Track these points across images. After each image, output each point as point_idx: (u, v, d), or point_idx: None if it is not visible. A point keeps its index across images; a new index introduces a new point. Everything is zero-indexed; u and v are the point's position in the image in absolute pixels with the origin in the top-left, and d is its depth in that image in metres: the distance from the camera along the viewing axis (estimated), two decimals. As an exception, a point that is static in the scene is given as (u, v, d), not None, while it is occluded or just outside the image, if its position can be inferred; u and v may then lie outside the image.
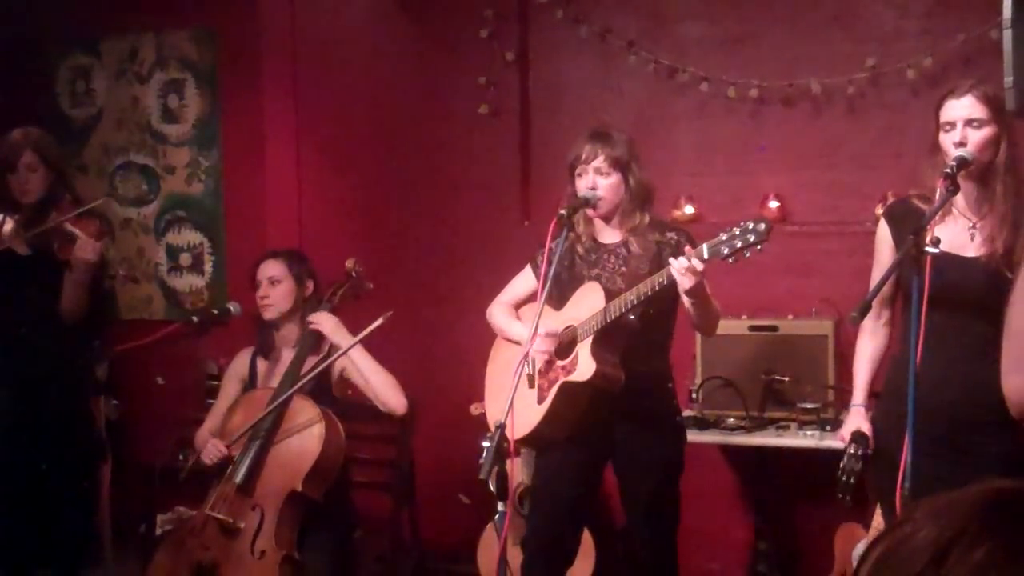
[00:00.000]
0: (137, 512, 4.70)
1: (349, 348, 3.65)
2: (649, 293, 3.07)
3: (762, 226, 2.86)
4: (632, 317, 3.19)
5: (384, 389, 3.71)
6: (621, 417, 3.32)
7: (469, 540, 4.57)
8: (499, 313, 3.61)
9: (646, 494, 3.38)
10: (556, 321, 3.34)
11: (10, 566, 4.16)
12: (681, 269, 2.93)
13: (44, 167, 4.04)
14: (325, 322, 3.77)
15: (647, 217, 3.36)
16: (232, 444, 3.66)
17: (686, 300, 3.09)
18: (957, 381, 2.93)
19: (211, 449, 3.68)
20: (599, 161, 3.30)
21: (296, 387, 3.64)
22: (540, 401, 3.30)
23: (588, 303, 3.24)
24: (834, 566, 3.88)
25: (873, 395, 3.23)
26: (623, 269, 3.30)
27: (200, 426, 3.93)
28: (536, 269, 3.43)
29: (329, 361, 3.70)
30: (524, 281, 3.59)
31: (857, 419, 3.13)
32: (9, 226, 3.96)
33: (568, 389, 3.24)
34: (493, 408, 3.54)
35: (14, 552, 4.13)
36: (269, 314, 3.84)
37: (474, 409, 4.31)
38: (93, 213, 4.14)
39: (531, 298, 3.51)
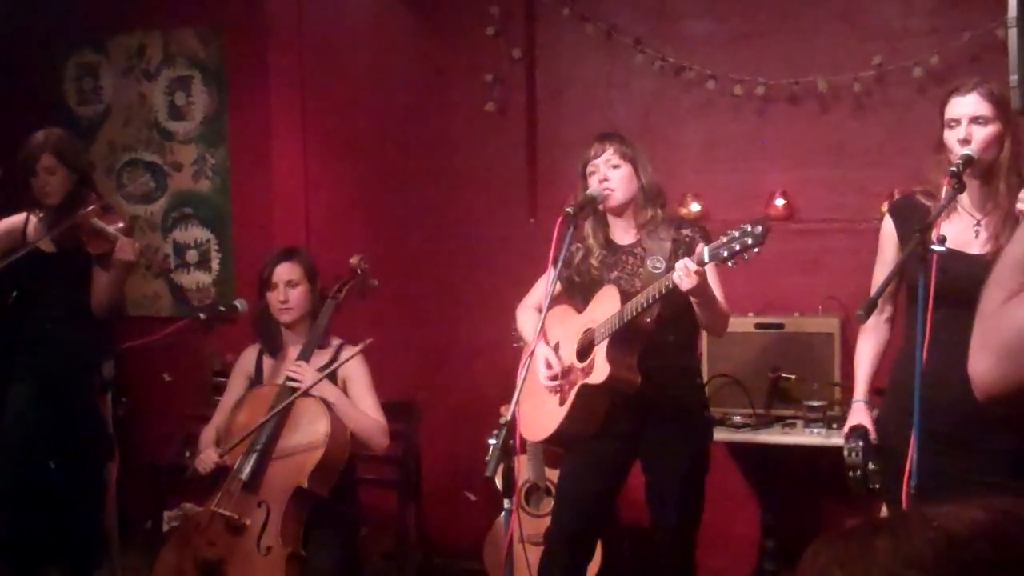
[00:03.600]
0: (143, 509, 4.73)
1: (315, 384, 3.67)
2: (657, 296, 3.08)
3: (759, 228, 2.87)
4: (648, 320, 3.21)
5: (365, 436, 3.73)
6: (647, 414, 3.34)
7: (475, 537, 4.57)
8: (524, 319, 3.62)
9: (671, 490, 3.41)
10: (577, 324, 3.37)
11: (19, 563, 4.18)
12: (681, 272, 2.96)
13: (64, 169, 4.05)
14: (305, 374, 3.73)
15: (660, 213, 3.38)
16: (227, 453, 3.66)
17: (692, 300, 3.11)
18: (962, 378, 2.90)
19: (204, 459, 3.69)
20: (608, 154, 3.36)
21: (296, 395, 3.65)
22: (562, 403, 3.34)
23: (605, 306, 3.26)
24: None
25: (874, 391, 3.23)
26: (640, 270, 3.33)
27: (206, 423, 3.92)
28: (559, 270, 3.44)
29: (297, 394, 3.67)
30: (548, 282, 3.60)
31: (859, 415, 3.14)
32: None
33: (586, 391, 3.27)
34: (524, 411, 3.55)
35: (22, 549, 4.15)
36: (288, 317, 3.83)
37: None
38: (116, 210, 4.16)
39: (557, 299, 3.51)
